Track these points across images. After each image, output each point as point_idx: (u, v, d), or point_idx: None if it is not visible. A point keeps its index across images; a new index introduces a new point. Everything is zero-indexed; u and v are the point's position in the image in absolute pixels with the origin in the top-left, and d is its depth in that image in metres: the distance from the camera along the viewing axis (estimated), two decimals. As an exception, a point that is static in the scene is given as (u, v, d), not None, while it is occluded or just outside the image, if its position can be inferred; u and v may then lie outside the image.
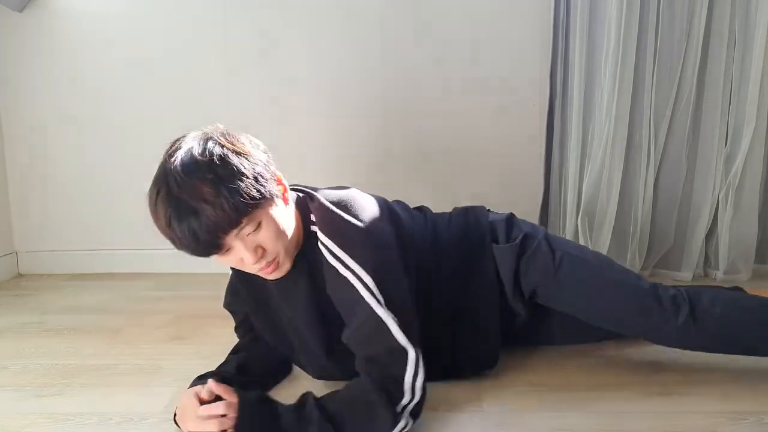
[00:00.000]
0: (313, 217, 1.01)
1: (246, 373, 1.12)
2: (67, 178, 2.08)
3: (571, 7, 1.82)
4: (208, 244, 0.87)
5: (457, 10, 1.92)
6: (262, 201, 0.88)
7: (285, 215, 0.95)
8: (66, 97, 2.02)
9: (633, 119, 1.82)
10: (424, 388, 0.95)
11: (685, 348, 1.16)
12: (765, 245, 1.95)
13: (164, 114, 2.02)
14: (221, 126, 0.95)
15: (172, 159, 0.87)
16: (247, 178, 0.86)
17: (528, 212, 2.00)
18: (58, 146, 2.06)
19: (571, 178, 1.91)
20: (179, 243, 0.88)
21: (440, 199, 2.03)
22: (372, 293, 0.93)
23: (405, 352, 0.93)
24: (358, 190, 1.09)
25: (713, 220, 1.88)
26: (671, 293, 1.10)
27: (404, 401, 0.92)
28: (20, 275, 2.13)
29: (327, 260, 0.97)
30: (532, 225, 1.25)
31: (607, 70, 1.78)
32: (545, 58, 1.90)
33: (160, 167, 0.89)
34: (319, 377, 1.16)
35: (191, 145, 0.88)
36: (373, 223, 1.00)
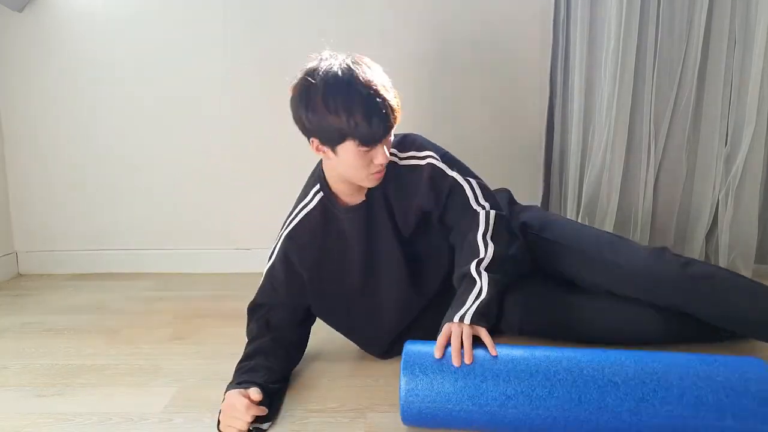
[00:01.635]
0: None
1: (274, 381, 1.11)
2: (67, 178, 2.08)
3: (571, 7, 1.82)
4: (390, 123, 1.06)
5: (457, 10, 1.92)
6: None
7: None
8: (66, 96, 2.02)
9: (633, 119, 1.83)
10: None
11: (658, 295, 1.19)
12: (765, 245, 1.95)
13: (164, 114, 2.02)
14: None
15: (352, 68, 1.06)
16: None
17: (528, 212, 2.01)
18: (58, 146, 2.06)
19: (571, 178, 1.91)
20: (369, 124, 1.03)
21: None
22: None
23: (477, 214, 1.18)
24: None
25: (713, 220, 1.88)
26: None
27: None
28: (20, 275, 2.13)
29: (406, 166, 1.20)
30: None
31: (607, 70, 1.79)
32: (545, 58, 1.90)
33: (331, 75, 1.05)
34: (396, 322, 1.25)
35: (351, 56, 1.10)
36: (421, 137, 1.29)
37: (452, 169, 1.20)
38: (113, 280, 2.01)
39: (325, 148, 1.08)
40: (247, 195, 2.07)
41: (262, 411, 0.99)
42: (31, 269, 2.14)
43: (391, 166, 1.16)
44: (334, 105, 1.01)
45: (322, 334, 1.32)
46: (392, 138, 1.12)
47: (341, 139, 1.04)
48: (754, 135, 1.78)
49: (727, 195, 1.83)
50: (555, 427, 0.91)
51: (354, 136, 1.03)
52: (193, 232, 2.09)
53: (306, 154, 2.15)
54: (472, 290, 1.06)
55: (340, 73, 1.03)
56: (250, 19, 1.95)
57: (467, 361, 0.94)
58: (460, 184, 1.20)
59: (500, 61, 1.95)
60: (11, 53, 2.00)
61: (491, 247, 1.12)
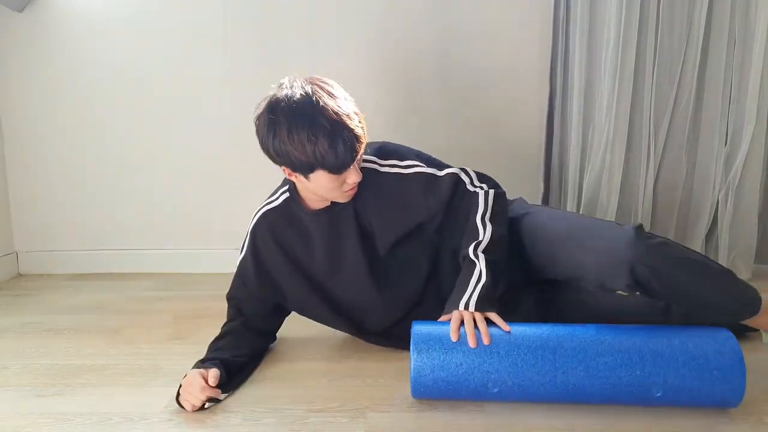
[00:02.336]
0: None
1: (239, 356, 1.21)
2: (67, 178, 2.08)
3: (571, 7, 1.82)
4: (354, 152, 1.05)
5: (457, 9, 1.92)
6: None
7: None
8: (66, 97, 2.02)
9: (633, 119, 1.83)
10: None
11: (636, 256, 1.01)
12: (765, 245, 1.95)
13: (164, 114, 2.02)
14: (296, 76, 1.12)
15: (314, 98, 1.04)
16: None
17: (528, 212, 2.00)
18: (58, 146, 2.06)
19: (571, 178, 1.91)
20: (333, 156, 1.04)
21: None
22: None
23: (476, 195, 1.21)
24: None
25: (713, 220, 1.88)
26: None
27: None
28: (20, 275, 2.13)
29: (374, 171, 1.19)
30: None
31: (607, 70, 1.79)
32: (545, 57, 1.90)
33: (294, 103, 1.04)
34: (376, 323, 1.28)
35: (315, 81, 1.08)
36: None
37: (441, 169, 1.22)
38: (113, 280, 2.01)
39: (297, 175, 1.11)
40: (247, 195, 2.06)
41: (216, 393, 1.07)
42: (31, 269, 2.14)
43: (370, 174, 1.18)
44: (299, 139, 1.02)
45: (322, 334, 1.32)
46: (363, 153, 1.12)
47: (311, 169, 1.07)
48: (754, 135, 1.78)
49: (727, 195, 1.83)
50: (557, 346, 1.00)
51: (323, 167, 1.05)
52: (193, 232, 2.09)
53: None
54: (472, 274, 1.10)
55: (302, 104, 1.03)
56: (250, 19, 1.95)
57: (485, 341, 1.00)
58: (455, 176, 1.21)
59: (500, 61, 1.95)
60: (11, 53, 2.00)
61: (489, 228, 1.15)
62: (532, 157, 2.00)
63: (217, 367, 1.11)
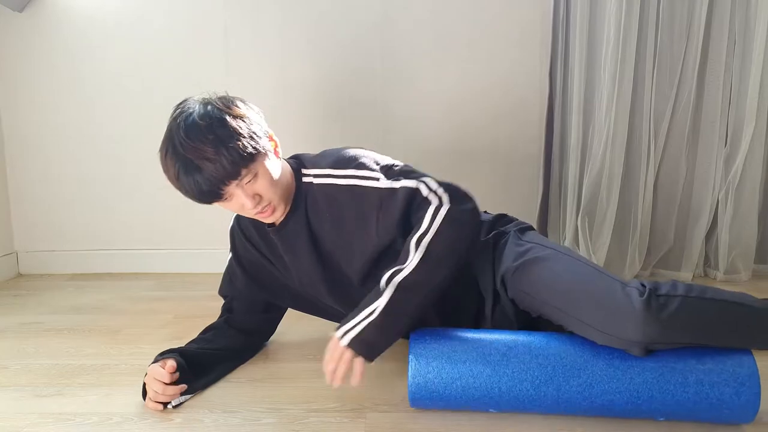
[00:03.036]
0: (305, 170, 1.14)
1: (208, 349, 1.22)
2: (67, 178, 2.08)
3: (571, 7, 1.83)
4: (211, 193, 1.01)
5: (457, 9, 1.92)
6: (257, 155, 1.02)
7: (277, 166, 1.08)
8: (66, 96, 2.02)
9: (633, 119, 1.83)
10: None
11: (652, 339, 0.93)
12: (765, 245, 1.95)
13: (163, 114, 2.01)
14: (219, 92, 1.10)
15: (178, 121, 1.01)
16: (243, 137, 1.00)
17: (528, 212, 2.00)
18: (58, 146, 2.06)
19: (571, 178, 1.91)
20: (186, 193, 1.02)
21: (440, 199, 2.04)
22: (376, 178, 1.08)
23: (428, 202, 1.04)
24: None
25: (713, 220, 1.88)
26: (637, 282, 1.01)
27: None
28: (20, 275, 2.13)
29: (332, 185, 1.10)
30: (517, 223, 1.24)
31: (607, 70, 1.79)
32: (545, 58, 1.90)
33: (167, 129, 1.03)
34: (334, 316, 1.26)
35: (193, 109, 1.03)
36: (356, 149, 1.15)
37: (398, 180, 1.07)
38: (113, 280, 2.01)
39: None
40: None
41: (176, 389, 1.08)
42: (31, 269, 2.14)
43: (328, 188, 1.10)
44: (167, 172, 1.03)
45: (322, 334, 1.32)
46: (260, 180, 1.03)
47: None
48: (754, 135, 1.78)
49: (727, 195, 1.83)
50: (554, 376, 0.96)
51: (191, 198, 1.04)
52: (193, 232, 2.09)
53: (305, 153, 2.15)
54: (369, 305, 0.99)
55: (170, 139, 1.01)
56: (250, 19, 1.95)
57: (353, 382, 0.99)
58: (409, 189, 1.05)
59: (500, 61, 1.95)
60: (11, 53, 2.00)
61: (419, 255, 0.98)
62: (532, 157, 2.00)
63: (175, 358, 1.11)
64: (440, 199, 1.03)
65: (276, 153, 1.10)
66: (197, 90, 2.14)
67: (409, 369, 1.00)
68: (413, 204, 1.05)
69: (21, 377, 1.24)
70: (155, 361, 1.13)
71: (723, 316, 0.96)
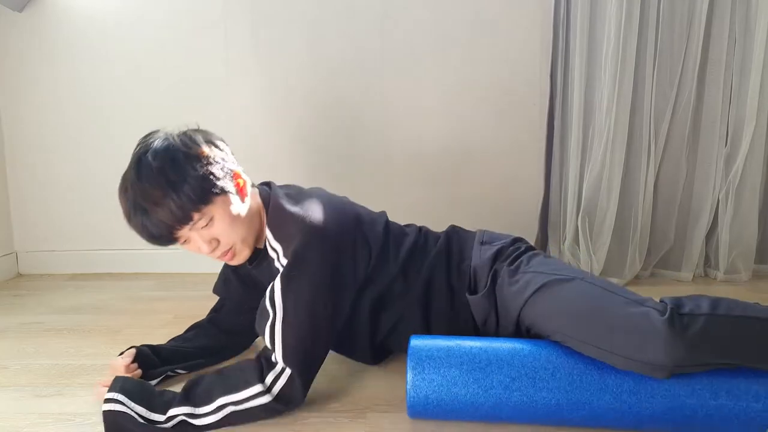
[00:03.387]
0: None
1: (181, 346, 1.24)
2: (67, 177, 2.08)
3: (571, 7, 1.83)
4: (161, 237, 0.99)
5: (457, 9, 1.92)
6: (213, 198, 0.98)
7: (241, 208, 1.04)
8: (66, 96, 2.02)
9: (633, 119, 1.83)
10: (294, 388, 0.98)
11: (677, 361, 0.87)
12: (765, 245, 1.95)
13: (163, 114, 2.01)
14: (188, 126, 1.06)
15: (135, 159, 0.99)
16: (196, 180, 0.95)
17: (528, 212, 2.00)
18: (58, 146, 2.06)
19: (571, 178, 1.91)
20: (138, 234, 1.01)
21: (440, 199, 2.04)
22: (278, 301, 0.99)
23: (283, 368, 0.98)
24: (324, 190, 1.16)
25: (713, 220, 1.88)
26: (654, 301, 0.96)
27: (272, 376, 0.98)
28: (20, 275, 2.13)
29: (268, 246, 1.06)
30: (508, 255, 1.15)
31: (607, 70, 1.79)
32: (545, 58, 1.90)
33: (128, 165, 1.00)
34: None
35: (152, 146, 0.99)
36: (315, 218, 1.03)
37: (287, 287, 0.99)
38: (113, 280, 2.01)
39: None
40: (247, 195, 2.07)
41: (132, 370, 1.11)
42: (31, 269, 2.14)
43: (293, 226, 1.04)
44: (122, 209, 1.02)
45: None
46: (217, 224, 1.00)
47: None
48: (754, 135, 1.78)
49: (727, 195, 1.83)
50: (558, 408, 0.93)
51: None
52: (193, 232, 2.09)
53: (305, 153, 2.16)
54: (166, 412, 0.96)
55: (123, 177, 1.01)
56: (250, 19, 1.95)
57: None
58: (274, 316, 0.99)
59: (500, 61, 1.95)
60: (11, 53, 2.00)
61: (216, 417, 0.96)
62: (532, 157, 2.00)
63: (137, 347, 1.16)
64: (277, 381, 0.98)
65: (242, 192, 1.05)
66: (197, 90, 2.16)
67: (407, 383, 0.97)
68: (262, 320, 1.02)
69: (21, 377, 1.24)
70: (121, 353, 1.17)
71: (755, 333, 0.89)
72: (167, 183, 0.94)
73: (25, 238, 2.13)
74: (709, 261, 1.93)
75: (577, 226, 1.89)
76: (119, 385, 1.00)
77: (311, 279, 1.00)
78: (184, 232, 0.99)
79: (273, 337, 0.98)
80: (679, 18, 1.77)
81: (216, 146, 1.04)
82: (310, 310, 0.99)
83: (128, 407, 0.96)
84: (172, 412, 0.96)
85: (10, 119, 2.06)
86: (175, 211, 0.95)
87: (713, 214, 1.88)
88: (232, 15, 1.95)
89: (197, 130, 1.05)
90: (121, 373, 1.09)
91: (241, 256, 1.07)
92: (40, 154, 2.07)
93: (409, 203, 2.01)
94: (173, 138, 1.00)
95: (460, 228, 1.26)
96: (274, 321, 0.99)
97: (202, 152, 0.99)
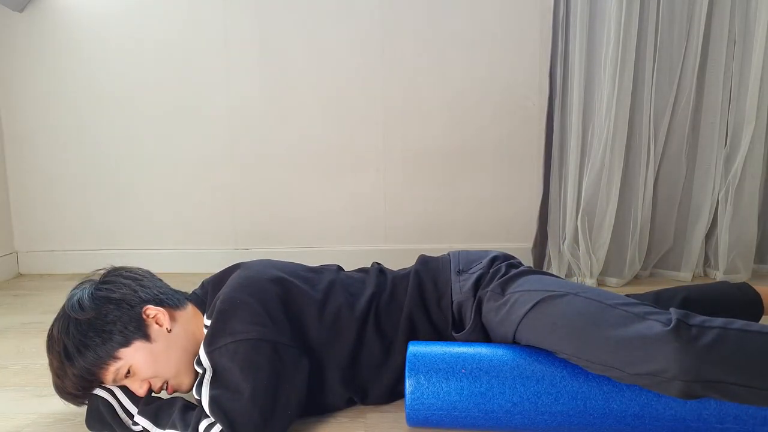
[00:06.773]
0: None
1: None
2: (67, 178, 2.08)
3: (571, 7, 1.82)
4: (84, 397, 0.96)
5: (457, 10, 1.92)
6: (121, 350, 0.95)
7: (165, 342, 0.98)
8: (66, 96, 2.03)
9: (633, 119, 1.83)
10: None
11: (686, 371, 0.80)
12: (765, 245, 1.95)
13: (164, 113, 2.02)
14: (103, 270, 1.11)
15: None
16: (95, 342, 0.94)
17: (528, 212, 2.00)
18: (59, 146, 2.06)
19: (571, 178, 1.91)
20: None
21: (440, 199, 2.05)
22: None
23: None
24: (244, 275, 1.08)
25: (713, 220, 1.88)
26: (658, 313, 0.89)
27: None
28: (20, 275, 2.13)
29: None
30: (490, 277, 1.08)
31: (607, 70, 1.79)
32: (545, 58, 1.90)
33: None
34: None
35: (62, 309, 1.02)
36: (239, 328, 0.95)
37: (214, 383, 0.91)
38: (113, 280, 2.01)
39: None
40: (247, 195, 2.07)
41: None
42: (31, 269, 2.14)
43: None
44: None
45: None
46: (141, 369, 0.96)
47: None
48: (754, 135, 1.78)
49: (726, 195, 1.83)
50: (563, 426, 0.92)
51: None
52: (193, 232, 2.09)
53: (305, 153, 2.16)
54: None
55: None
56: (251, 19, 1.96)
57: None
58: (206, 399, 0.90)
59: (500, 61, 1.95)
60: (11, 53, 2.00)
61: None
62: (532, 157, 2.00)
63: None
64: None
65: (159, 325, 0.99)
66: (197, 90, 2.15)
67: (406, 406, 0.96)
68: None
69: (21, 377, 1.24)
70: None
71: None
72: (66, 354, 0.94)
73: (25, 238, 2.13)
74: (708, 261, 1.93)
75: (576, 226, 1.89)
76: None
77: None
78: (108, 382, 0.96)
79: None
80: (679, 18, 1.77)
81: (124, 284, 1.05)
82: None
83: (117, 399, 0.96)
84: (138, 419, 0.94)
85: (10, 119, 2.06)
86: (78, 378, 0.94)
87: (713, 214, 1.88)
88: (232, 16, 1.95)
89: (107, 276, 1.08)
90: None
91: (185, 386, 1.01)
92: (40, 154, 2.07)
93: (409, 203, 2.01)
94: (79, 298, 1.01)
95: (428, 258, 1.17)
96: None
97: (100, 308, 0.99)
